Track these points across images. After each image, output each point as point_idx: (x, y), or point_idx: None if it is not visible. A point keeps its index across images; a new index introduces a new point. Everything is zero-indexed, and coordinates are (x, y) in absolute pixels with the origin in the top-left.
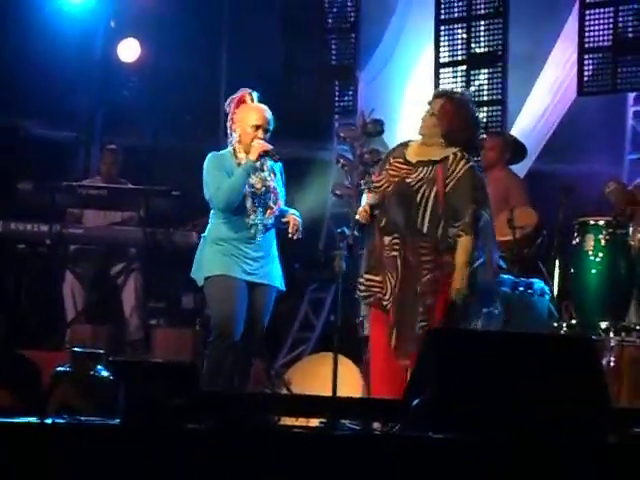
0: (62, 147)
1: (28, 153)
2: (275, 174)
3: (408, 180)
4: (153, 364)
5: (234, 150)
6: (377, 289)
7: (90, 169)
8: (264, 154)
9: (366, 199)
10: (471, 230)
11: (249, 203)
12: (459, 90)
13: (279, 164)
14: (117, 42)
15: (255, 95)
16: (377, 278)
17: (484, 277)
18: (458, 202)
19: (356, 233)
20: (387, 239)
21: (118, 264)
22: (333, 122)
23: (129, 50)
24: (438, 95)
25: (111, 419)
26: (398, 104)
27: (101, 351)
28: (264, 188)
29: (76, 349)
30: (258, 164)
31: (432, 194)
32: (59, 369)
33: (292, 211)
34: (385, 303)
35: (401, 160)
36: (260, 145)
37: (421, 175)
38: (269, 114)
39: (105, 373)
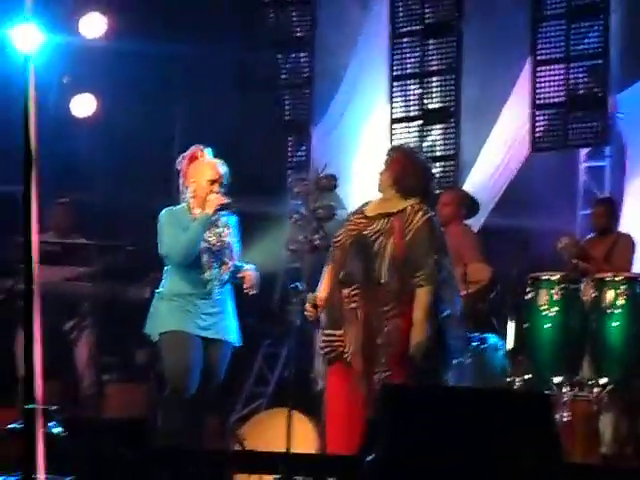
0: (12, 202)
1: None
2: (230, 229)
3: (365, 232)
4: (105, 420)
5: (188, 206)
6: (338, 343)
7: (42, 224)
8: (221, 207)
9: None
10: (431, 280)
11: (205, 259)
12: (409, 145)
13: (234, 218)
14: (70, 97)
15: (207, 151)
16: (338, 332)
17: (452, 328)
18: (417, 253)
19: (299, 285)
20: (346, 291)
21: (71, 319)
22: (286, 177)
23: (83, 105)
24: (389, 150)
25: (64, 476)
26: (352, 159)
27: (54, 407)
28: (219, 243)
29: (29, 406)
30: (213, 219)
31: (389, 244)
32: (11, 426)
33: (248, 266)
34: (346, 356)
35: (360, 215)
36: (217, 198)
37: (378, 227)
38: (224, 168)
39: (57, 429)
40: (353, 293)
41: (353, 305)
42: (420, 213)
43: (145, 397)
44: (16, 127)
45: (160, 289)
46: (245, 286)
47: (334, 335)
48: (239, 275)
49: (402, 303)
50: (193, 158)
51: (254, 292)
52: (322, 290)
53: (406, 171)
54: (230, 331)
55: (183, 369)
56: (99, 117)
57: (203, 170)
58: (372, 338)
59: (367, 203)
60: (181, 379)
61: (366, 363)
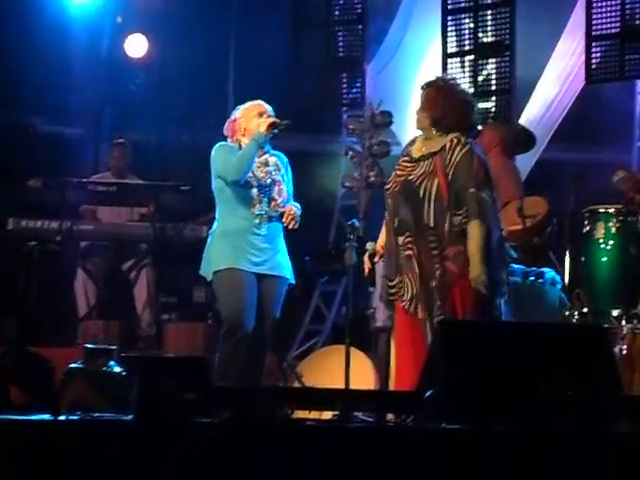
0: (71, 144)
1: (37, 150)
2: (280, 169)
3: (411, 177)
4: (165, 359)
5: (240, 145)
6: (395, 290)
7: (99, 166)
8: (274, 126)
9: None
10: (476, 214)
11: (254, 192)
12: (444, 77)
13: (285, 159)
14: (124, 38)
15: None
16: (394, 281)
17: (494, 261)
18: (459, 188)
19: (356, 222)
20: (401, 239)
21: (129, 260)
22: (341, 114)
23: (136, 46)
24: (423, 87)
25: (124, 415)
26: (406, 95)
27: (113, 347)
28: (269, 180)
29: (88, 345)
30: (263, 159)
31: (434, 186)
32: (72, 365)
33: (292, 203)
34: (403, 304)
35: (407, 158)
36: (270, 119)
37: (422, 170)
38: (267, 105)
39: (118, 369)
40: (407, 240)
41: (408, 252)
42: (459, 147)
43: (204, 336)
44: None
45: (212, 229)
46: (284, 220)
47: (390, 286)
48: (280, 210)
49: (450, 244)
50: (233, 122)
51: (294, 226)
52: (380, 239)
53: (445, 109)
54: (284, 267)
55: (239, 307)
56: (153, 57)
57: (250, 109)
58: (427, 283)
59: (413, 142)
60: (237, 317)
61: (426, 308)
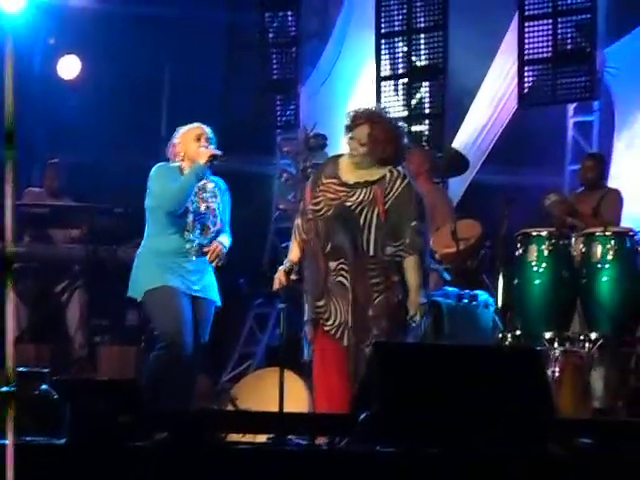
0: (1, 165)
1: None
2: (217, 196)
3: (348, 203)
4: (97, 382)
5: (181, 168)
6: (320, 313)
7: (32, 186)
8: (213, 158)
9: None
10: (416, 248)
11: (190, 219)
12: (374, 108)
13: (223, 184)
14: (57, 59)
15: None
16: (320, 303)
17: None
18: (398, 220)
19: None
20: (333, 264)
21: (61, 282)
22: (275, 137)
23: (69, 67)
24: (359, 121)
25: (57, 438)
26: (340, 117)
27: (45, 370)
28: (205, 208)
29: (20, 368)
30: (201, 184)
31: (374, 215)
32: (3, 389)
33: (220, 239)
34: (327, 328)
35: (336, 181)
36: (209, 151)
37: (360, 197)
38: (207, 127)
39: (50, 392)
40: (340, 267)
41: (341, 279)
42: (399, 180)
43: (136, 359)
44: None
45: (140, 249)
46: (208, 257)
47: (316, 305)
48: (205, 249)
49: (390, 274)
50: (174, 146)
51: (218, 264)
52: (293, 255)
53: (383, 144)
54: (211, 290)
55: (176, 323)
56: (86, 78)
57: (188, 132)
58: (362, 312)
59: (336, 161)
60: (175, 334)
61: (356, 337)
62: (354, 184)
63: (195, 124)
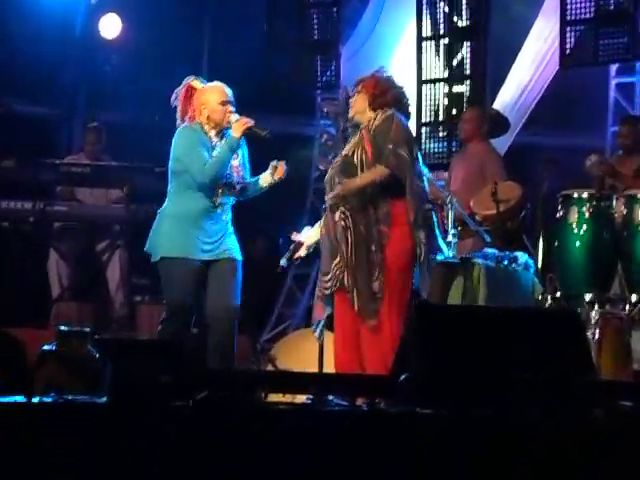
0: (44, 124)
1: (10, 130)
2: (237, 153)
3: (345, 152)
4: (139, 342)
5: (203, 129)
6: (338, 271)
7: (73, 146)
8: (249, 130)
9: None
10: (392, 168)
11: (221, 183)
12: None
13: (242, 140)
14: (98, 19)
15: (201, 79)
16: (336, 261)
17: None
18: (379, 147)
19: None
20: (337, 214)
21: (102, 241)
22: (316, 97)
23: (110, 26)
24: (356, 82)
25: (98, 397)
26: None
27: (87, 329)
28: (230, 168)
29: (62, 327)
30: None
31: (364, 154)
32: (45, 348)
33: (263, 175)
34: (345, 281)
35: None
36: (243, 122)
37: (352, 143)
38: (229, 89)
39: (91, 351)
40: (342, 210)
41: (342, 223)
42: (380, 114)
43: None
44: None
45: (163, 209)
46: (276, 176)
47: (335, 264)
48: (269, 175)
49: (381, 207)
50: (191, 88)
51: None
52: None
53: (381, 89)
54: (233, 249)
55: (182, 300)
56: (127, 38)
57: (212, 94)
58: (363, 248)
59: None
60: (179, 309)
61: (359, 275)
62: (352, 135)
63: (217, 84)
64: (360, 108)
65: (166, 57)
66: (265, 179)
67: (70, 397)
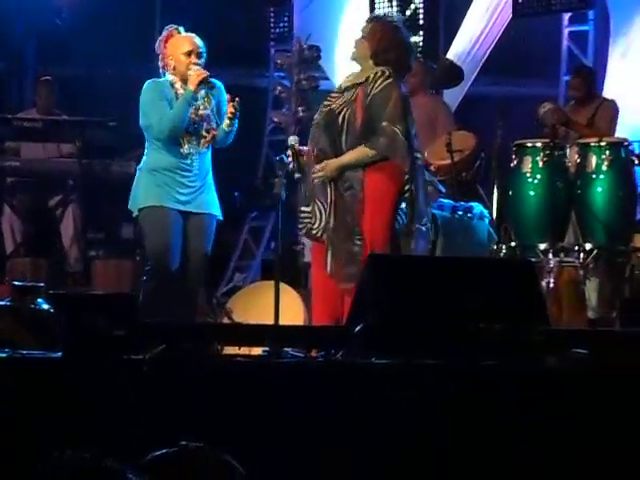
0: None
1: None
2: (210, 101)
3: (333, 107)
4: (93, 296)
5: (171, 81)
6: (307, 220)
7: (24, 100)
8: (202, 81)
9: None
10: (382, 148)
11: (183, 133)
12: (392, 15)
13: (218, 84)
14: None
15: (182, 29)
16: (307, 209)
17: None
18: (373, 119)
19: (285, 157)
20: (318, 167)
21: (56, 196)
22: (269, 49)
23: None
24: (369, 19)
25: (53, 352)
26: (335, 29)
27: (41, 284)
28: (197, 117)
29: (16, 282)
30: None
31: (352, 116)
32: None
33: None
34: (314, 232)
35: (335, 90)
36: (197, 73)
37: (345, 99)
38: (199, 40)
39: (46, 306)
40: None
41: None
42: (381, 79)
43: (132, 272)
44: None
45: (140, 165)
46: (229, 112)
47: (305, 212)
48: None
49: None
50: (168, 37)
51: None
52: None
53: (386, 44)
54: (211, 204)
55: (163, 245)
56: None
57: (178, 44)
58: (343, 211)
59: (349, 76)
60: (162, 256)
61: (336, 237)
62: (345, 88)
63: (184, 34)
64: (362, 54)
65: (118, 9)
66: (225, 121)
67: (25, 352)
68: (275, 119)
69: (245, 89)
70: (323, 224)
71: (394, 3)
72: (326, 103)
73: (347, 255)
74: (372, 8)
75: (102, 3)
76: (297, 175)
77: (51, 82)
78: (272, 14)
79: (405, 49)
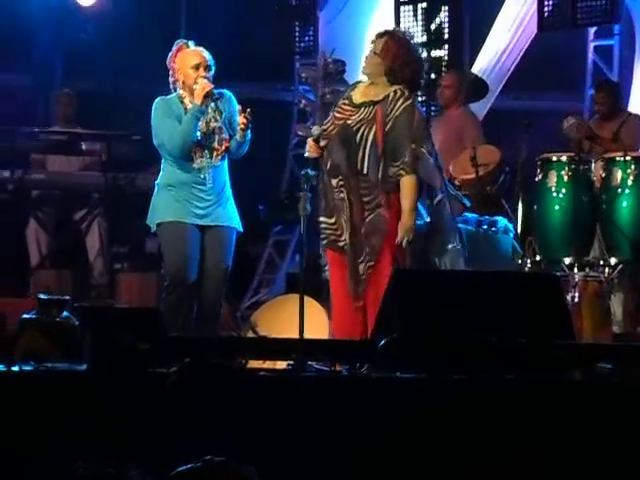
0: (21, 92)
1: None
2: (221, 112)
3: (349, 122)
4: (118, 310)
5: (180, 97)
6: (330, 231)
7: (50, 114)
8: (207, 95)
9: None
10: (411, 169)
11: (194, 147)
12: (403, 31)
13: (228, 95)
14: None
15: (191, 43)
16: (331, 220)
17: (445, 212)
18: (397, 141)
19: (310, 171)
20: (334, 181)
21: (81, 209)
22: (294, 63)
23: None
24: (380, 35)
25: (78, 365)
26: (359, 43)
27: (67, 297)
28: (208, 130)
29: (42, 295)
30: (203, 107)
31: (371, 134)
32: (25, 316)
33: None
34: (341, 244)
35: (347, 102)
36: (202, 86)
37: (362, 116)
38: (207, 53)
39: (71, 320)
40: (340, 183)
41: (341, 195)
42: (401, 100)
43: (156, 286)
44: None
45: (158, 180)
46: (241, 123)
47: (327, 223)
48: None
49: (384, 193)
50: (177, 52)
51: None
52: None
53: (397, 60)
54: (230, 217)
55: (180, 261)
56: (104, 5)
57: (186, 58)
58: (358, 228)
59: (355, 86)
60: (179, 270)
61: (353, 255)
62: (360, 104)
63: (193, 47)
64: (375, 71)
65: (143, 25)
66: (236, 132)
67: (50, 365)
68: (300, 133)
69: (270, 103)
70: (346, 238)
71: (419, 17)
72: (338, 115)
73: (356, 274)
74: (397, 21)
75: (127, 18)
76: (312, 172)
77: (71, 95)
78: (297, 28)
79: (419, 66)
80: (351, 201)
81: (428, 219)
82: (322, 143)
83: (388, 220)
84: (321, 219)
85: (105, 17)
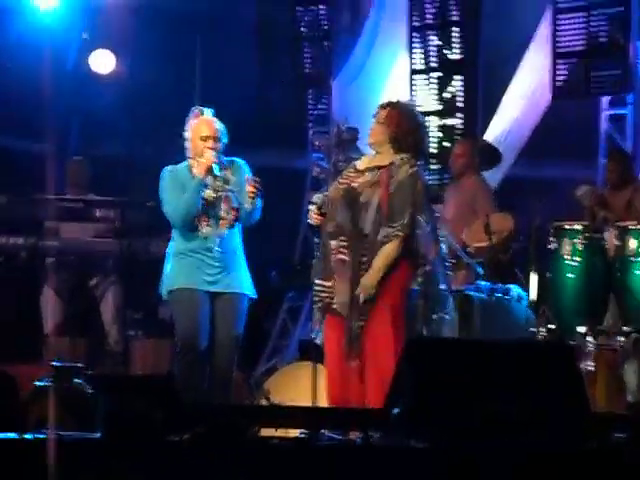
0: (36, 159)
1: (2, 166)
2: (228, 181)
3: (354, 185)
4: (131, 377)
5: (189, 166)
6: (326, 294)
7: (64, 180)
8: (210, 169)
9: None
10: (408, 231)
11: (198, 216)
12: (405, 101)
13: (239, 161)
14: (90, 54)
15: (207, 110)
16: (328, 283)
17: (431, 283)
18: (398, 204)
19: (316, 240)
20: (334, 243)
21: (95, 276)
22: (307, 131)
23: (103, 61)
24: (384, 105)
25: (91, 433)
26: (373, 111)
27: (80, 364)
28: (215, 199)
29: (55, 363)
30: (208, 179)
31: (375, 196)
32: (38, 383)
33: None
34: (335, 307)
35: (352, 170)
36: (205, 160)
37: (367, 179)
38: (219, 124)
39: (85, 387)
40: (341, 245)
41: (341, 256)
42: (406, 166)
43: (171, 352)
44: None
45: (168, 248)
46: (249, 192)
47: (323, 286)
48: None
49: (376, 254)
50: (193, 119)
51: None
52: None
53: (404, 129)
54: (242, 283)
55: (191, 328)
56: (119, 73)
57: (197, 128)
58: (354, 288)
59: (362, 156)
60: (189, 338)
61: (352, 314)
62: (364, 169)
63: (205, 117)
64: (379, 139)
65: (158, 93)
66: (245, 200)
67: (63, 433)
68: (313, 199)
69: (284, 170)
70: (342, 300)
71: (433, 86)
72: (342, 181)
73: (352, 333)
74: (411, 89)
75: (143, 87)
76: (316, 240)
77: (83, 162)
78: (311, 96)
79: (423, 134)
80: (352, 262)
81: (443, 287)
82: (323, 210)
83: (384, 282)
84: (317, 282)
85: (120, 84)
